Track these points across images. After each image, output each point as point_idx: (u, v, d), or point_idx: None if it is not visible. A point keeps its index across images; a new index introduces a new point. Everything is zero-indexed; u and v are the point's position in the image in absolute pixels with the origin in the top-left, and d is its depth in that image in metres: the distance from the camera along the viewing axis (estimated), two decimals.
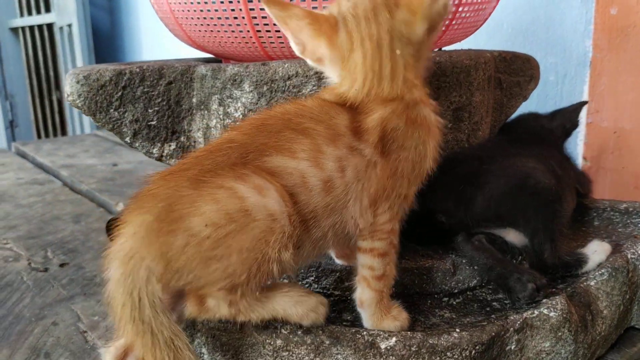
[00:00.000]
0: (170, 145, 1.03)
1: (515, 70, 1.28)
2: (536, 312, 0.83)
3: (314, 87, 0.93)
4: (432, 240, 1.01)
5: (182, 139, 1.04)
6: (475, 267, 0.95)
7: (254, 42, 0.99)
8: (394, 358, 0.75)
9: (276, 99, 0.94)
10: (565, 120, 1.25)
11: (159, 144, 1.04)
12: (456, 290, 0.95)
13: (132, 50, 3.81)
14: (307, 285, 0.95)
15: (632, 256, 0.98)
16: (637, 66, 1.46)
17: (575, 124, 1.26)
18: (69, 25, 3.64)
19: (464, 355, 0.75)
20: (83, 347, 1.02)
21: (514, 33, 1.79)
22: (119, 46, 3.98)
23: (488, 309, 0.91)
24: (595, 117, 1.56)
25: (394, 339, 0.76)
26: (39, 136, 4.48)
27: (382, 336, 0.76)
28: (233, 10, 0.95)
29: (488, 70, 1.13)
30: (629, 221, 1.22)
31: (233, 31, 0.98)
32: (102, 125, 1.01)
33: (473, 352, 0.75)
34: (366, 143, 0.73)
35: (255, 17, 0.95)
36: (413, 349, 0.75)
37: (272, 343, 0.79)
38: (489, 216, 0.96)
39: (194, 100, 1.02)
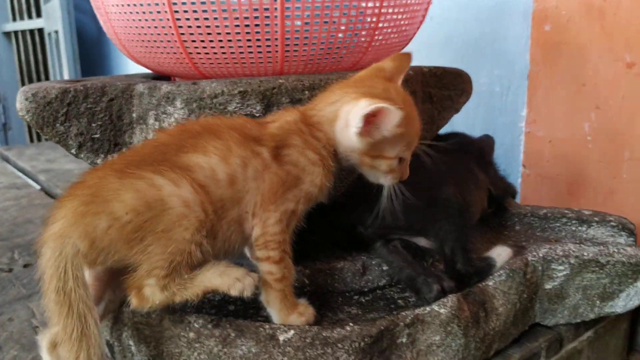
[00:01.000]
0: (112, 156, 1.12)
1: (446, 85, 1.37)
2: (428, 308, 0.92)
3: (237, 105, 1.02)
4: (353, 247, 1.11)
5: (123, 150, 1.13)
6: (389, 269, 1.04)
7: (186, 62, 1.08)
8: (290, 348, 0.84)
9: (204, 115, 1.04)
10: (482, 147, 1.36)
11: (102, 155, 1.13)
12: (366, 289, 1.04)
13: (119, 57, 3.90)
14: None
15: (533, 258, 1.07)
16: (569, 80, 1.55)
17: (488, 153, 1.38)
18: (56, 32, 3.74)
19: (353, 346, 0.84)
20: (33, 341, 1.12)
21: (464, 46, 1.88)
22: (106, 52, 4.08)
23: (393, 306, 1.00)
24: (533, 127, 1.65)
25: (291, 331, 0.85)
26: (31, 139, 4.58)
27: (282, 329, 0.86)
28: (166, 34, 1.04)
29: (411, 86, 1.23)
30: (547, 226, 1.31)
31: (168, 52, 1.08)
32: (49, 138, 1.10)
33: (362, 343, 0.84)
34: (266, 147, 0.85)
35: (185, 41, 1.04)
36: (308, 340, 0.84)
37: (186, 335, 0.88)
38: (400, 225, 1.05)
39: (134, 115, 1.12)
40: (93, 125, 1.11)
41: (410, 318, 0.89)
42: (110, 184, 0.76)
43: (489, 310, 0.98)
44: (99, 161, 1.13)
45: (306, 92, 1.01)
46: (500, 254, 1.06)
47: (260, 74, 1.12)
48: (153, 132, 1.09)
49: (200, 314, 0.90)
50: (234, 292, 0.79)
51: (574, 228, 1.30)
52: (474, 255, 1.03)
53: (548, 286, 1.06)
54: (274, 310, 0.91)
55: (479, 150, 1.33)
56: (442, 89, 1.37)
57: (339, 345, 0.84)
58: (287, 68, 1.11)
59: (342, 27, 1.07)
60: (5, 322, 1.18)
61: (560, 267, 1.05)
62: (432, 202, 1.04)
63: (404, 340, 0.89)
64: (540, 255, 1.07)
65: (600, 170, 1.51)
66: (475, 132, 1.52)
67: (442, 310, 0.91)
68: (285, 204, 0.85)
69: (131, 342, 0.93)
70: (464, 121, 1.83)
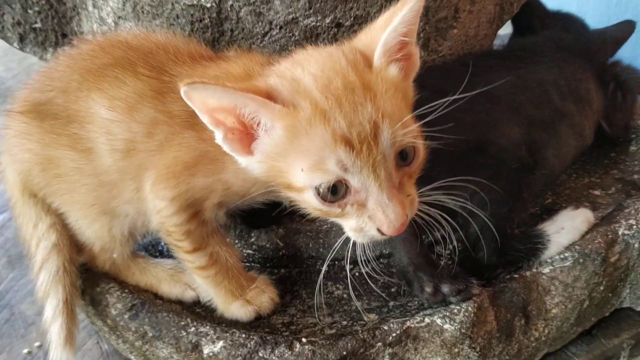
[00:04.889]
0: (62, 50, 0.87)
1: None
2: (427, 320, 0.63)
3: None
4: None
5: (74, 42, 0.87)
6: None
7: None
8: None
9: (141, 5, 0.73)
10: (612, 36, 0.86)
11: (50, 49, 0.88)
12: (363, 257, 0.75)
13: None
14: None
15: (626, 231, 0.70)
16: None
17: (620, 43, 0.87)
18: None
19: None
20: None
21: None
22: None
23: (386, 293, 0.72)
24: None
25: (220, 343, 0.62)
26: None
27: (209, 338, 0.63)
28: None
29: None
30: None
31: None
32: None
33: None
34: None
35: None
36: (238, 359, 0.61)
37: (103, 321, 0.70)
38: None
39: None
40: (30, 12, 0.85)
41: (395, 335, 0.62)
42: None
43: (532, 315, 0.67)
44: (47, 56, 0.89)
45: None
46: (564, 225, 0.69)
47: None
48: (96, 22, 0.81)
49: (123, 293, 0.69)
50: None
51: None
52: (518, 231, 0.67)
53: None
54: (211, 296, 0.68)
55: (598, 52, 0.85)
56: None
57: None
58: None
59: None
60: None
61: None
62: (472, 150, 0.68)
63: None
64: None
65: None
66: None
67: (447, 326, 0.62)
68: (186, 189, 0.61)
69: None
70: None
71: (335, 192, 0.51)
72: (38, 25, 0.86)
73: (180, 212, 0.62)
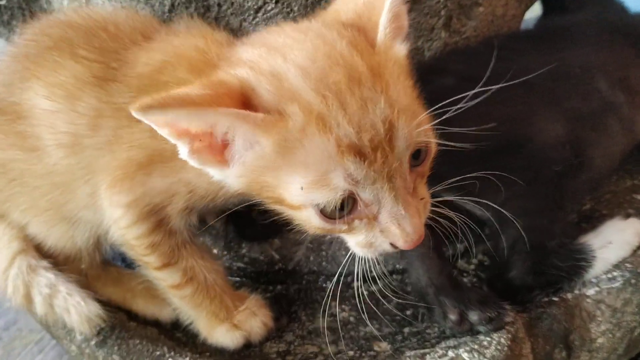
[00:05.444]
0: None
1: None
2: (450, 354, 0.52)
3: None
4: None
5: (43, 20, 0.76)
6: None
7: None
8: None
9: None
10: None
11: (17, 29, 0.78)
12: (373, 273, 0.64)
13: None
14: None
15: None
16: None
17: None
18: None
19: None
20: None
21: None
22: None
23: (408, 313, 0.61)
24: None
25: None
26: None
27: None
28: None
29: None
30: None
31: None
32: None
33: None
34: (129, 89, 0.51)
35: None
36: None
37: (70, 346, 0.59)
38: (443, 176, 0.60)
39: None
40: None
41: None
42: None
43: (575, 347, 0.56)
44: (15, 38, 0.78)
45: None
46: (612, 239, 0.59)
47: None
48: None
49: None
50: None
51: None
52: (558, 245, 0.56)
53: None
54: (194, 320, 0.58)
55: None
56: None
57: None
58: None
59: None
60: None
61: None
62: (504, 149, 0.56)
63: None
64: None
65: None
66: None
67: None
68: (143, 192, 0.51)
69: None
70: None
71: (342, 207, 0.41)
72: (3, 2, 0.76)
73: (140, 221, 0.51)
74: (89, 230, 0.58)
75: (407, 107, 0.41)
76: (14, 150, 0.54)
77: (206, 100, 0.37)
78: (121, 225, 0.52)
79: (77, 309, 0.55)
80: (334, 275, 0.61)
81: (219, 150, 0.41)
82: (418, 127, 0.41)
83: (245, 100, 0.40)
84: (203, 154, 0.41)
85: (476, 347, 0.52)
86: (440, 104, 0.43)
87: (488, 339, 0.52)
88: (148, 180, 0.50)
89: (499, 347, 0.52)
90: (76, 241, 0.58)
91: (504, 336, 0.52)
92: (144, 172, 0.50)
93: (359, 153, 0.39)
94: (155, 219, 0.52)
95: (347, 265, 0.56)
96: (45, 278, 0.57)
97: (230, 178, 0.43)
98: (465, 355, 0.52)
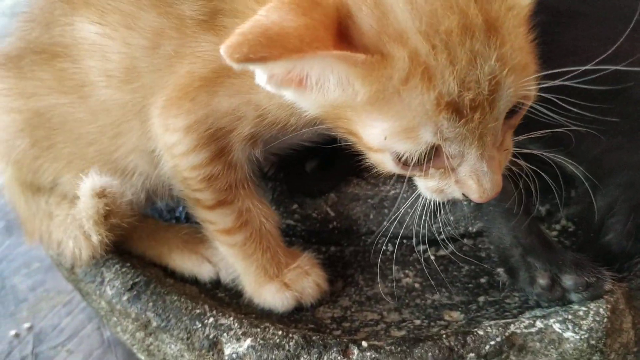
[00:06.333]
0: None
1: None
2: (539, 324, 0.44)
3: None
4: None
5: None
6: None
7: None
8: None
9: None
10: None
11: None
12: (442, 236, 0.56)
13: None
14: None
15: None
16: None
17: None
18: None
19: None
20: None
21: None
22: None
23: (482, 280, 0.53)
24: None
25: (247, 342, 0.45)
26: None
27: (232, 333, 0.46)
28: None
29: None
30: None
31: None
32: None
33: None
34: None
35: None
36: None
37: (99, 302, 0.53)
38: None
39: None
40: None
41: (493, 343, 0.43)
42: None
43: None
44: None
45: None
46: None
47: None
48: None
49: (123, 267, 0.53)
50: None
51: None
52: None
53: None
54: (240, 275, 0.52)
55: None
56: None
57: None
58: None
59: None
60: None
61: None
62: (605, 93, 0.48)
63: None
64: None
65: None
66: None
67: (569, 334, 0.44)
68: (205, 114, 0.45)
69: None
70: None
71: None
72: None
73: (200, 147, 0.46)
74: (139, 184, 0.53)
75: (519, 63, 0.36)
76: (53, 94, 0.49)
77: (305, 42, 0.32)
78: (176, 153, 0.46)
79: None
80: (397, 238, 0.54)
81: (301, 78, 0.36)
82: (525, 83, 0.36)
83: (341, 31, 0.34)
84: (282, 81, 0.36)
85: (570, 317, 0.44)
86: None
87: (584, 308, 0.44)
88: (212, 99, 0.44)
89: (597, 319, 0.44)
90: (126, 195, 0.52)
91: (603, 306, 0.44)
92: (208, 90, 0.44)
93: (456, 111, 0.35)
94: (216, 146, 0.47)
95: (409, 224, 0.50)
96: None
97: (306, 101, 0.38)
98: (556, 326, 0.44)
